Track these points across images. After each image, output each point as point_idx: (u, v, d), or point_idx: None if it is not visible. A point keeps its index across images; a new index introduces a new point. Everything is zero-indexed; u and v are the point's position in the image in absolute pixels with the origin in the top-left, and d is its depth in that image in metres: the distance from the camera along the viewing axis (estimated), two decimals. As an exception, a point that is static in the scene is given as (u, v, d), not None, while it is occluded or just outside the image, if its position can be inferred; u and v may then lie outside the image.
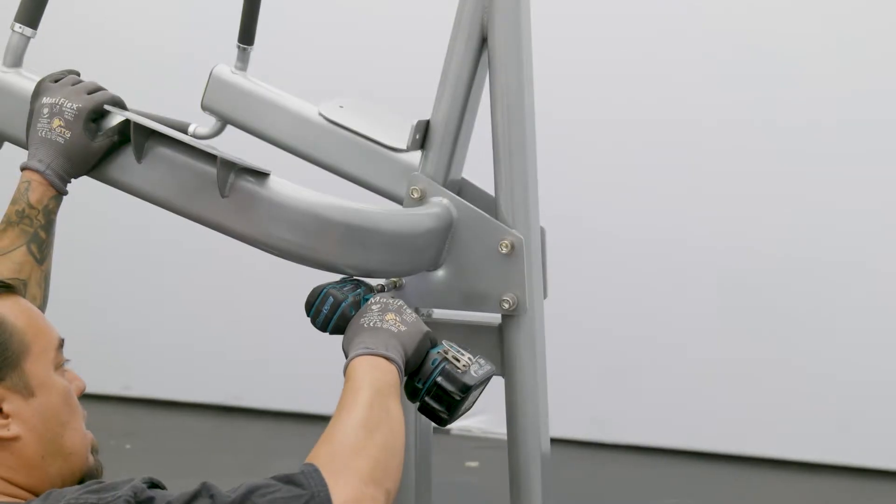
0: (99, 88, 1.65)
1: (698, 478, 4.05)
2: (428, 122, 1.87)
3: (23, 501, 1.34)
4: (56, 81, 1.65)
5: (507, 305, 1.79)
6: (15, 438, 1.34)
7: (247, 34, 2.26)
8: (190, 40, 4.40)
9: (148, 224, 4.53)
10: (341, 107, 2.11)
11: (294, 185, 1.63)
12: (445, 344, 1.58)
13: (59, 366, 1.41)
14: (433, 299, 1.84)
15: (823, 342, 4.05)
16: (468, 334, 1.86)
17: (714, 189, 4.10)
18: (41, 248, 1.60)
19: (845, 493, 3.94)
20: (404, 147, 1.86)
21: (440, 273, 1.81)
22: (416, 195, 1.83)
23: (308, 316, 1.62)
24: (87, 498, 1.27)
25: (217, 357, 4.68)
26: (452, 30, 1.84)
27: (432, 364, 1.55)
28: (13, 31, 1.74)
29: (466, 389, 1.54)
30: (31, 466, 1.36)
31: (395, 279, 1.81)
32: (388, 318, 1.54)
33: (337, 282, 1.63)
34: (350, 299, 1.59)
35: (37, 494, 1.36)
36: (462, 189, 1.91)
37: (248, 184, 1.60)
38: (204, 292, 4.66)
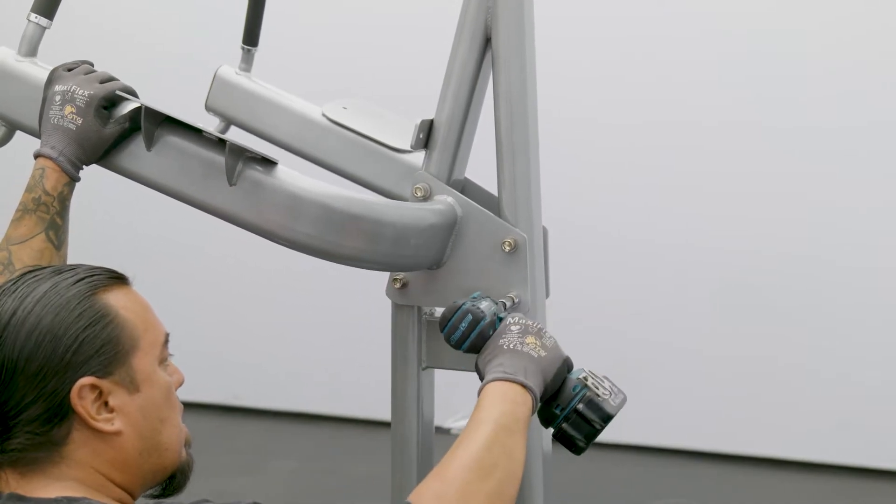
0: (112, 78, 1.66)
1: (698, 478, 4.06)
2: (432, 121, 1.87)
3: None
4: (69, 70, 1.66)
5: (509, 304, 1.80)
6: (117, 433, 1.34)
7: (251, 36, 2.27)
8: (193, 41, 4.40)
9: (147, 223, 4.55)
10: (345, 108, 2.12)
11: (301, 175, 1.64)
12: (584, 370, 1.56)
13: (163, 361, 1.42)
14: (436, 297, 1.85)
15: (823, 342, 4.06)
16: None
17: (715, 189, 4.11)
18: (58, 234, 1.61)
19: (845, 493, 3.94)
20: (408, 147, 1.86)
21: (443, 271, 1.82)
22: (419, 193, 1.84)
23: (443, 332, 1.59)
24: None
25: (217, 357, 4.68)
26: (456, 30, 1.85)
27: (573, 391, 1.53)
28: (29, 20, 1.75)
29: (608, 419, 1.53)
30: (128, 462, 1.36)
31: (512, 296, 1.80)
32: (529, 342, 1.52)
33: (472, 298, 1.60)
34: (488, 319, 1.56)
35: (130, 492, 1.37)
36: (465, 188, 1.92)
37: (255, 172, 1.61)
38: (204, 292, 4.67)
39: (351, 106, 2.11)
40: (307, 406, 4.59)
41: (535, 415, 1.53)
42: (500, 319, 1.58)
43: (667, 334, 4.19)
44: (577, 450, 1.56)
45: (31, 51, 1.76)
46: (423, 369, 1.91)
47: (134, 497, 1.39)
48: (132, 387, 1.35)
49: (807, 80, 3.99)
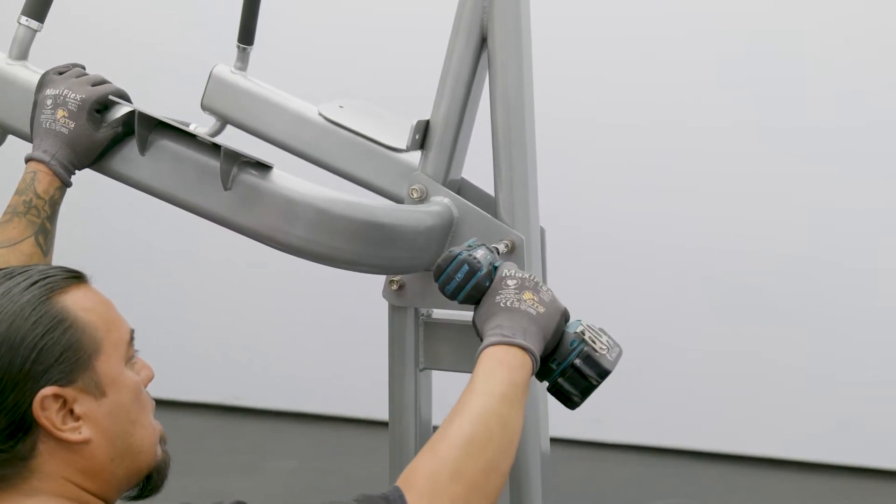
0: (103, 81, 1.65)
1: (698, 478, 4.05)
2: (428, 121, 1.87)
3: None
4: (60, 74, 1.65)
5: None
6: (86, 442, 1.29)
7: (246, 34, 2.27)
8: (189, 40, 4.40)
9: (146, 225, 4.54)
10: (341, 107, 2.12)
11: (296, 178, 1.63)
12: (582, 323, 1.52)
13: (129, 359, 1.36)
14: (433, 299, 1.85)
15: (823, 342, 4.06)
16: (468, 334, 1.85)
17: (714, 189, 4.10)
18: (47, 239, 1.59)
19: (845, 493, 3.94)
20: (404, 147, 1.86)
21: (440, 272, 1.81)
22: (416, 194, 1.83)
23: (437, 282, 1.53)
24: None
25: (217, 357, 4.68)
26: (452, 29, 1.85)
27: (570, 346, 1.49)
28: (20, 23, 1.74)
29: (605, 374, 1.50)
30: (100, 469, 1.31)
31: (507, 241, 1.78)
32: (526, 298, 1.48)
33: (467, 247, 1.55)
34: (484, 269, 1.51)
35: (105, 499, 1.33)
36: (461, 189, 1.92)
37: (250, 177, 1.60)
38: (203, 292, 4.66)
39: (347, 105, 2.10)
40: (307, 406, 4.58)
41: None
42: (496, 268, 1.54)
43: (666, 334, 4.19)
44: (571, 405, 1.53)
45: (22, 54, 1.75)
46: (421, 370, 1.91)
47: (110, 503, 1.34)
48: (98, 392, 1.30)
49: (806, 81, 3.99)
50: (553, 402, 2.02)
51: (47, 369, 1.26)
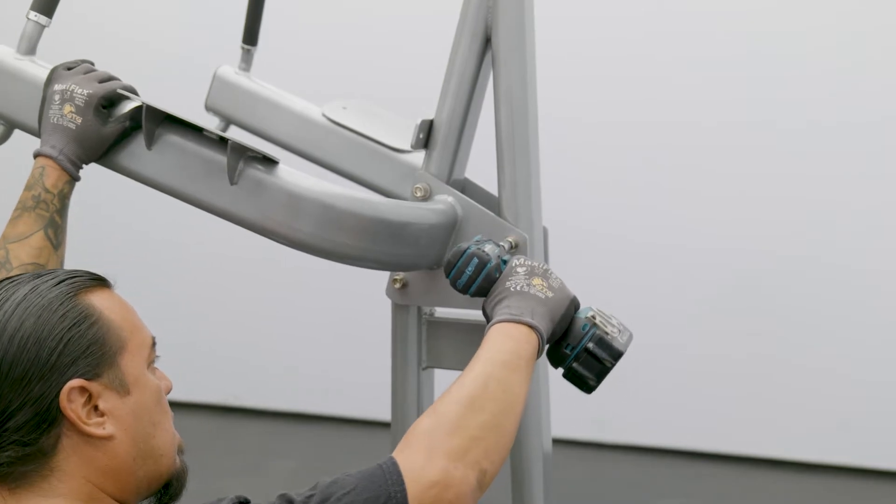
0: (111, 77, 1.66)
1: (698, 478, 4.06)
2: (432, 121, 1.87)
3: None
4: (69, 69, 1.66)
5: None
6: (109, 438, 1.29)
7: (251, 35, 2.28)
8: (192, 41, 4.40)
9: (146, 223, 4.54)
10: (344, 108, 2.13)
11: (302, 173, 1.64)
12: (592, 309, 1.56)
13: (150, 364, 1.36)
14: (436, 297, 1.85)
15: (823, 342, 4.06)
16: (471, 333, 1.86)
17: (714, 190, 4.11)
18: (57, 232, 1.60)
19: (845, 493, 3.94)
20: (408, 147, 1.86)
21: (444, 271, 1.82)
22: (419, 193, 1.84)
23: (448, 277, 1.57)
24: None
25: (216, 357, 4.68)
26: (456, 30, 1.85)
27: (582, 329, 1.53)
28: (28, 19, 1.75)
29: (618, 356, 1.53)
30: (121, 469, 1.30)
31: (510, 239, 1.80)
32: (535, 283, 1.51)
33: (475, 241, 1.59)
34: (493, 261, 1.55)
35: (124, 503, 1.31)
36: (465, 188, 1.92)
37: (257, 171, 1.61)
38: (203, 292, 4.66)
39: (351, 106, 2.11)
40: (307, 406, 4.58)
41: (545, 356, 1.53)
42: (505, 262, 1.57)
43: (666, 335, 4.19)
44: (587, 389, 1.56)
45: (31, 49, 1.75)
46: (424, 369, 1.91)
47: None
48: (122, 389, 1.30)
49: (806, 81, 3.99)
50: (554, 402, 2.04)
51: (73, 361, 1.27)
